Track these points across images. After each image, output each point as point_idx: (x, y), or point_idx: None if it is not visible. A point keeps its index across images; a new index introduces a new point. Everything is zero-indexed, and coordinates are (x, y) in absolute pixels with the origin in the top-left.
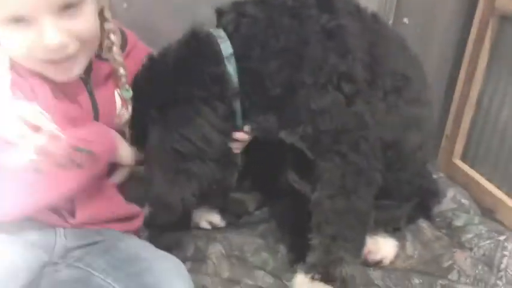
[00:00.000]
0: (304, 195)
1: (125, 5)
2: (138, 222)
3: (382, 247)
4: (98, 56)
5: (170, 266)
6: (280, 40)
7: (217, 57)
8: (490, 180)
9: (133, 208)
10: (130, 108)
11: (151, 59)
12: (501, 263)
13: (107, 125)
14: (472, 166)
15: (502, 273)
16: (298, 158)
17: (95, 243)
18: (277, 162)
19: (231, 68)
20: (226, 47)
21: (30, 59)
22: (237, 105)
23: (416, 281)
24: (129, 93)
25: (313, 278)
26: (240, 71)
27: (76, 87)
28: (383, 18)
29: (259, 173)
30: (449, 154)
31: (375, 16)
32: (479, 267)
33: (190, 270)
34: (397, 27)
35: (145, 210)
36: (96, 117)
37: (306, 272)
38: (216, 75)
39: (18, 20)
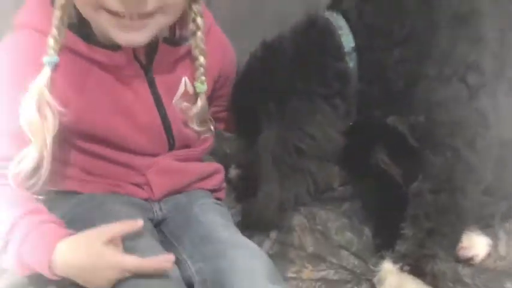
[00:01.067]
0: (391, 178)
1: None
2: (219, 177)
3: (476, 244)
4: (168, 40)
5: (247, 253)
6: (405, 26)
7: (338, 52)
8: None
9: (211, 166)
10: (199, 102)
11: (266, 47)
12: None
13: (173, 118)
14: None
15: None
16: (393, 141)
17: (183, 209)
18: (368, 140)
19: (352, 63)
20: (348, 41)
21: (98, 5)
22: (355, 101)
23: (508, 285)
24: (204, 87)
25: (401, 269)
26: (362, 63)
27: (133, 74)
28: None
29: (346, 149)
30: None
31: None
32: None
33: (276, 240)
34: None
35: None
36: (161, 109)
37: (395, 262)
38: (337, 73)
39: None
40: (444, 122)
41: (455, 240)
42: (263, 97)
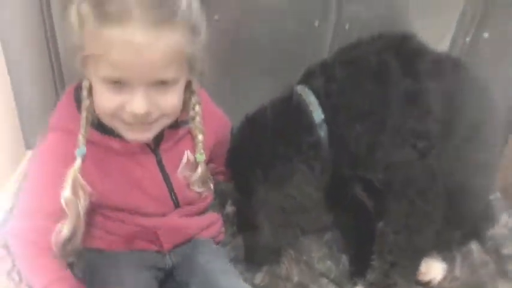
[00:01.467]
0: (367, 208)
1: (216, 17)
2: (217, 227)
3: (433, 270)
4: (171, 125)
5: None
6: (364, 105)
7: (310, 126)
8: None
9: (209, 218)
10: (199, 169)
11: (251, 121)
12: None
13: (178, 186)
14: None
15: None
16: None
17: (189, 258)
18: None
19: (323, 133)
20: (318, 115)
21: (114, 116)
22: (329, 162)
23: None
24: (203, 157)
25: None
26: (330, 134)
27: (144, 156)
28: (464, 64)
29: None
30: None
31: (456, 65)
32: None
33: (266, 272)
34: (477, 38)
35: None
36: (168, 182)
37: None
38: (310, 142)
39: (116, 82)
40: (399, 179)
41: (414, 270)
42: (251, 165)
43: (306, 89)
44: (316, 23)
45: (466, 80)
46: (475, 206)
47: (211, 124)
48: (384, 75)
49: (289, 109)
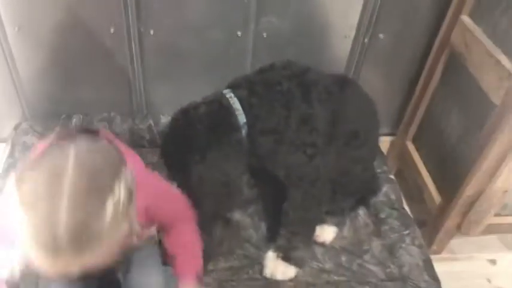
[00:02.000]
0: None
1: (151, 32)
2: None
3: (326, 232)
4: None
5: None
6: (272, 122)
7: (236, 126)
8: (425, 164)
9: None
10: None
11: (185, 113)
12: (398, 251)
13: None
14: (416, 149)
15: (396, 259)
16: None
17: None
18: None
19: (244, 132)
20: (241, 119)
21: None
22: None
23: (343, 258)
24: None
25: (277, 257)
26: (248, 136)
27: None
28: (352, 82)
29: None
30: (404, 136)
31: (344, 85)
32: (384, 253)
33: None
34: (374, 40)
35: None
36: None
37: (274, 251)
38: (235, 139)
39: None
40: (295, 175)
41: (309, 236)
42: (188, 151)
43: (233, 96)
44: (239, 33)
45: (349, 97)
46: (358, 184)
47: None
48: (290, 102)
49: (220, 109)
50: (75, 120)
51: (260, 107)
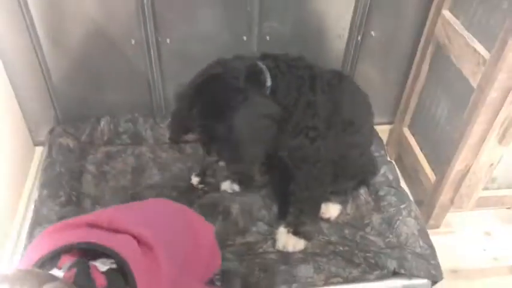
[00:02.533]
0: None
1: (168, 41)
2: None
3: (331, 209)
4: None
5: None
6: (286, 99)
7: (265, 86)
8: (420, 148)
9: None
10: None
11: (223, 65)
12: (395, 223)
13: None
14: (412, 134)
15: (394, 229)
16: None
17: None
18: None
19: (267, 92)
20: (268, 82)
21: None
22: None
23: (346, 231)
24: None
25: (288, 232)
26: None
27: None
28: (347, 77)
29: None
30: (401, 123)
31: (341, 79)
32: (383, 225)
33: (221, 221)
34: (366, 38)
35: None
36: None
37: (285, 227)
38: (263, 93)
39: None
40: (297, 156)
41: (315, 212)
42: (229, 92)
43: (264, 66)
44: (245, 37)
45: (346, 89)
46: (357, 167)
47: None
48: (301, 87)
49: (255, 66)
50: (103, 123)
51: (281, 81)
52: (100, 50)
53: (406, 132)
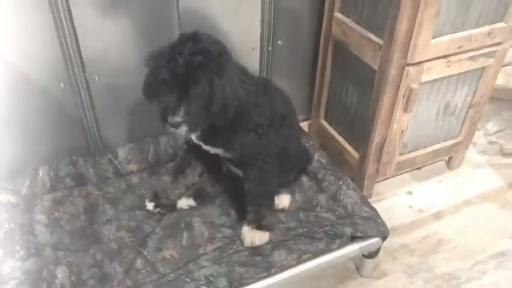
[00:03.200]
0: (237, 175)
1: (96, 78)
2: None
3: (283, 200)
4: None
5: None
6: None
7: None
8: (339, 133)
9: None
10: None
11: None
12: (339, 197)
13: None
14: (330, 124)
15: (340, 203)
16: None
17: None
18: (220, 160)
19: None
20: None
21: None
22: None
23: (301, 214)
24: None
25: (252, 228)
26: None
27: None
28: (270, 81)
29: (211, 167)
30: (317, 117)
31: (269, 83)
32: (330, 202)
33: (187, 238)
34: (275, 47)
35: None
36: None
37: (247, 225)
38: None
39: None
40: (248, 153)
41: (271, 205)
42: (205, 60)
43: None
44: None
45: (275, 91)
46: (296, 157)
47: None
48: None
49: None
50: (42, 172)
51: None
52: (28, 97)
53: (324, 123)
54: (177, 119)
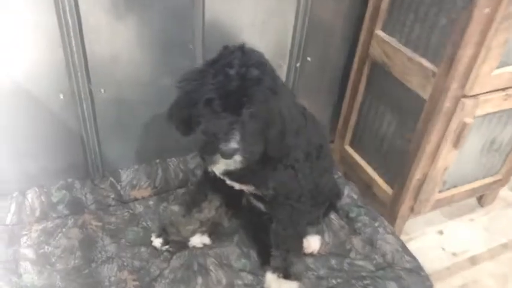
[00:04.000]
0: (259, 209)
1: (102, 91)
2: None
3: (312, 243)
4: None
5: None
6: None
7: None
8: (368, 163)
9: None
10: None
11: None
12: (376, 243)
13: None
14: (356, 151)
15: (377, 249)
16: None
17: None
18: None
19: None
20: None
21: None
22: None
23: (333, 261)
24: None
25: (278, 276)
26: None
27: None
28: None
29: (230, 199)
30: (342, 142)
31: (307, 111)
32: (366, 247)
33: (202, 284)
34: (304, 63)
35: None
36: None
37: (273, 272)
38: None
39: None
40: (282, 193)
41: (300, 250)
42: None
43: None
44: None
45: (310, 117)
46: (327, 192)
47: None
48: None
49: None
50: (30, 196)
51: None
52: (17, 107)
53: (349, 149)
54: (233, 145)
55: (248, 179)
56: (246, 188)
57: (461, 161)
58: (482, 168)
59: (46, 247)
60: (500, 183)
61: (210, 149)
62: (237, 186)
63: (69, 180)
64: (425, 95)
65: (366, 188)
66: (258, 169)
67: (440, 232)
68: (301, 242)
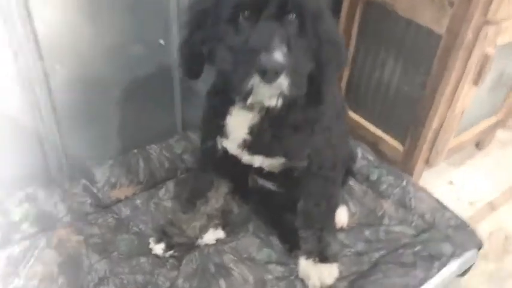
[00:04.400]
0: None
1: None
2: None
3: (340, 216)
4: None
5: None
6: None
7: None
8: (370, 120)
9: None
10: None
11: None
12: (410, 204)
13: None
14: (354, 109)
15: (413, 210)
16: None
17: None
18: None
19: None
20: None
21: None
22: None
23: (366, 232)
24: None
25: (314, 261)
26: None
27: None
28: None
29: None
30: None
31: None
32: (399, 210)
33: (225, 285)
34: None
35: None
36: None
37: (306, 258)
38: None
39: None
40: (316, 163)
41: (333, 225)
42: None
43: None
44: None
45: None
46: (346, 157)
47: None
48: None
49: None
50: None
51: None
52: None
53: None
54: (279, 56)
55: (277, 150)
56: (269, 163)
57: (474, 101)
58: (488, 107)
59: (16, 280)
60: (502, 123)
61: (242, 68)
62: (258, 162)
63: (30, 190)
64: (440, 29)
65: (371, 147)
66: (289, 133)
67: (451, 182)
68: (333, 218)
